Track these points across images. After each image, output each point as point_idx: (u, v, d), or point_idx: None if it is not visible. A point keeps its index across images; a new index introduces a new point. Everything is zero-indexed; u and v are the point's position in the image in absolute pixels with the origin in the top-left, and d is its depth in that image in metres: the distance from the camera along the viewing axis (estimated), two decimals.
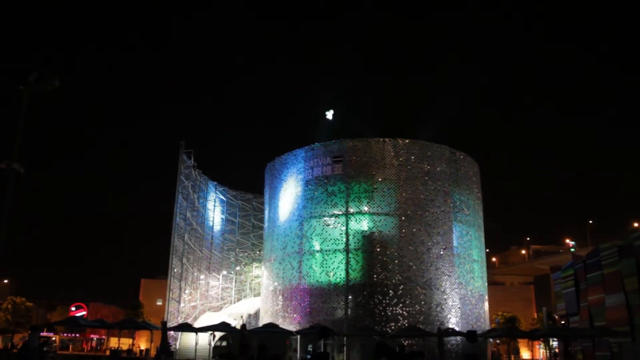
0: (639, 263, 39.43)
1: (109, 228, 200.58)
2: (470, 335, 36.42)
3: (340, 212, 45.58)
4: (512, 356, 64.43)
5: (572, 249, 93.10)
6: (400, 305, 42.87)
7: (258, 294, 60.04)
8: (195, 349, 41.32)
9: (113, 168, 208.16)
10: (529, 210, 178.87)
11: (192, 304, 58.37)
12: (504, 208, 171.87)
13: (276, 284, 48.71)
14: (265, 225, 54.60)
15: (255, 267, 67.49)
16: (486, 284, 50.51)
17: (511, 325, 61.81)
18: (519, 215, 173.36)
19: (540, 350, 62.26)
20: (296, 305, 45.74)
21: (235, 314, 57.21)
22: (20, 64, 15.56)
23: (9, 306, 70.46)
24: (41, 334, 72.98)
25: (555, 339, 53.32)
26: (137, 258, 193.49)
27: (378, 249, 44.26)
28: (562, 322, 53.65)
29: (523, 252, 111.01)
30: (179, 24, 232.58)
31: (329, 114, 53.44)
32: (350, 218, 45.15)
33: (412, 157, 46.52)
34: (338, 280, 44.17)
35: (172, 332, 47.08)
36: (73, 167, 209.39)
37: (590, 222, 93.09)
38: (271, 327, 41.05)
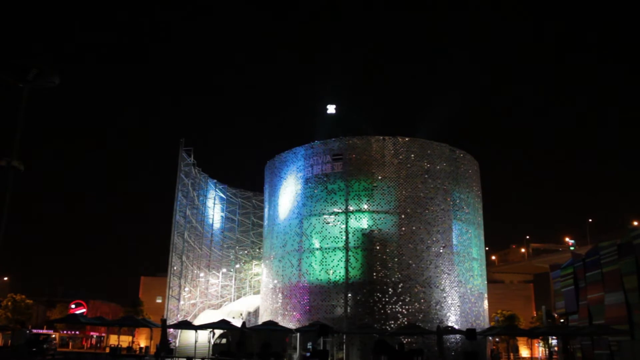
0: (638, 261, 39.48)
1: (109, 225, 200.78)
2: (469, 334, 36.52)
3: (340, 210, 45.57)
4: (512, 354, 64.40)
5: (572, 247, 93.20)
6: (400, 303, 42.89)
7: (258, 292, 60.10)
8: (195, 346, 41.33)
9: (113, 166, 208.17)
10: (528, 208, 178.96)
11: (192, 301, 58.41)
12: (503, 206, 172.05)
13: (276, 281, 48.73)
14: (265, 223, 54.61)
15: (255, 264, 67.54)
16: (486, 282, 50.55)
17: (510, 323, 61.83)
18: (519, 213, 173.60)
19: (540, 349, 62.24)
20: (296, 303, 45.77)
21: (234, 312, 57.28)
22: (20, 60, 15.49)
23: (9, 303, 70.57)
24: (41, 331, 73.23)
25: (554, 337, 53.35)
26: (137, 255, 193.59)
27: (378, 247, 44.27)
28: (562, 320, 53.69)
29: (522, 250, 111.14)
30: (179, 23, 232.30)
31: (331, 108, 53.32)
32: (350, 216, 45.15)
33: (412, 155, 46.50)
34: (338, 278, 44.18)
35: (171, 330, 47.13)
36: (73, 165, 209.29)
37: (590, 220, 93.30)
38: (271, 325, 41.09)
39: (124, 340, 60.44)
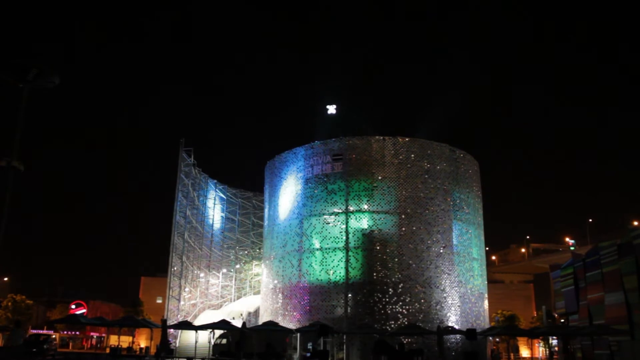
0: (638, 261, 39.46)
1: (109, 226, 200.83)
2: (469, 334, 36.52)
3: (340, 210, 45.57)
4: (512, 354, 64.41)
5: (572, 248, 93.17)
6: (400, 303, 42.88)
7: (258, 292, 60.09)
8: (195, 346, 41.35)
9: (113, 166, 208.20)
10: (528, 208, 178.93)
11: (192, 301, 58.40)
12: (503, 206, 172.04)
13: (276, 282, 48.72)
14: (265, 223, 54.60)
15: (255, 265, 67.54)
16: (486, 282, 50.54)
17: (510, 323, 61.83)
18: (519, 213, 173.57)
19: (540, 349, 62.23)
20: (296, 303, 45.76)
21: (235, 312, 57.29)
22: (20, 60, 15.45)
23: (9, 304, 70.58)
24: (42, 331, 73.23)
25: (554, 337, 53.31)
26: (137, 255, 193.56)
27: (378, 247, 44.26)
28: (562, 320, 53.66)
29: (523, 250, 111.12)
30: (179, 23, 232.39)
31: (331, 108, 53.21)
32: (350, 216, 45.14)
33: (412, 156, 46.50)
34: (338, 278, 44.17)
35: (172, 330, 47.13)
36: (73, 165, 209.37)
37: (590, 220, 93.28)
38: (271, 325, 41.09)
39: (124, 341, 60.43)
